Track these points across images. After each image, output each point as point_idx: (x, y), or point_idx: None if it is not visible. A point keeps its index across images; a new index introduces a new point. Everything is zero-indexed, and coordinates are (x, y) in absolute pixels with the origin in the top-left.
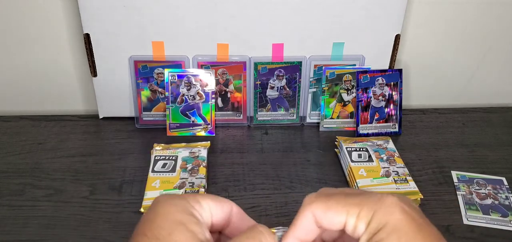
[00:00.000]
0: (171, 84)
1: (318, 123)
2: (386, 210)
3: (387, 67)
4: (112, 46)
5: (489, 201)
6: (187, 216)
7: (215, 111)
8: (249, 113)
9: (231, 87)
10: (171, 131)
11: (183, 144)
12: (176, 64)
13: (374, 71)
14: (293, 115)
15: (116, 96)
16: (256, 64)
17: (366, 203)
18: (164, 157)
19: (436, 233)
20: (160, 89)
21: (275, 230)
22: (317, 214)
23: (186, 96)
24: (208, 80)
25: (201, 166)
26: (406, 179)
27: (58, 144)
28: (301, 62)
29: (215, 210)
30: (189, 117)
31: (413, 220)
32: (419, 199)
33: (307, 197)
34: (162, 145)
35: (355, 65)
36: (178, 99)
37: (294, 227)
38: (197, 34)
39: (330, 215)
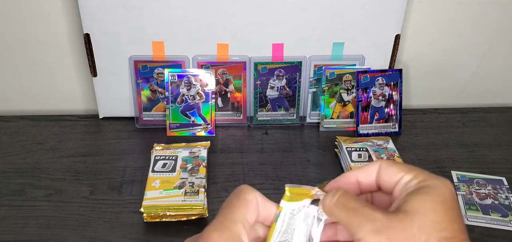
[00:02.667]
0: (171, 84)
1: (318, 123)
2: (439, 183)
3: (387, 67)
4: (112, 46)
5: (489, 201)
6: None
7: (215, 111)
8: (249, 113)
9: (231, 87)
10: (171, 131)
11: (183, 144)
12: (176, 64)
13: (374, 71)
14: (293, 115)
15: (116, 96)
16: (256, 64)
17: (425, 173)
18: (164, 157)
19: (464, 227)
20: (160, 89)
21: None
22: (382, 166)
23: (186, 96)
24: (208, 80)
25: (201, 166)
26: None
27: (58, 144)
28: (301, 62)
29: (251, 217)
30: (189, 117)
31: (456, 202)
32: None
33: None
34: (162, 145)
35: (355, 65)
36: (178, 99)
37: (358, 169)
38: (197, 34)
39: (391, 170)
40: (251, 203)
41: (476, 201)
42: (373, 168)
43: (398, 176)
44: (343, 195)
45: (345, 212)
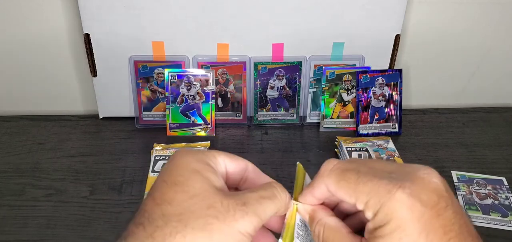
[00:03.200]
0: (171, 84)
1: (318, 123)
2: (393, 205)
3: (387, 67)
4: (112, 46)
5: (489, 201)
6: (203, 165)
7: (215, 111)
8: (249, 113)
9: (231, 87)
10: (171, 131)
11: (183, 144)
12: (176, 64)
13: (374, 71)
14: (293, 115)
15: (116, 96)
16: (256, 64)
17: (376, 192)
18: (164, 157)
19: (449, 224)
20: (160, 89)
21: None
22: (330, 188)
23: (186, 96)
24: (208, 80)
25: None
26: None
27: (58, 144)
28: (301, 62)
29: (229, 164)
30: (189, 117)
31: (421, 217)
32: None
33: (324, 164)
34: (162, 145)
35: (355, 65)
36: (178, 99)
37: (311, 188)
38: (197, 34)
39: (341, 194)
40: (238, 160)
41: (476, 201)
42: (321, 186)
43: (351, 202)
44: (327, 230)
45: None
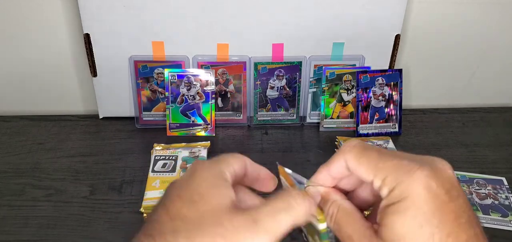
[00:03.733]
0: (171, 84)
1: (318, 123)
2: (410, 184)
3: (387, 67)
4: (112, 46)
5: (489, 201)
6: (220, 181)
7: (215, 111)
8: (249, 113)
9: (231, 87)
10: (171, 131)
11: (183, 144)
12: (176, 64)
13: (374, 71)
14: (293, 115)
15: (116, 96)
16: (256, 64)
17: (395, 170)
18: (164, 157)
19: (460, 211)
20: (160, 89)
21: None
22: (349, 164)
23: (186, 96)
24: (208, 80)
25: None
26: None
27: (58, 144)
28: (301, 62)
29: (237, 168)
30: (189, 117)
31: (436, 198)
32: None
33: (345, 143)
34: (162, 145)
35: (355, 65)
36: (178, 99)
37: (328, 166)
38: (197, 34)
39: (360, 171)
40: (240, 158)
41: (476, 201)
42: (340, 162)
43: (368, 179)
44: (340, 212)
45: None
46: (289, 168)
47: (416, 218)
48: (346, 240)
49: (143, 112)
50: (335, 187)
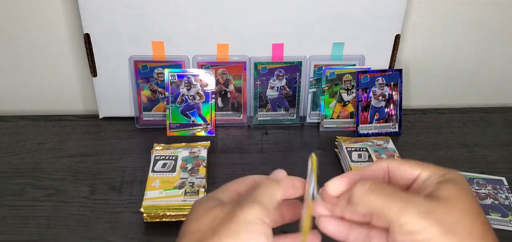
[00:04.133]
0: (171, 84)
1: (318, 123)
2: (457, 176)
3: (387, 67)
4: (112, 46)
5: (489, 201)
6: (262, 227)
7: (215, 111)
8: (249, 113)
9: (231, 87)
10: (171, 131)
11: (183, 144)
12: (176, 64)
13: (374, 71)
14: (293, 115)
15: (116, 96)
16: (256, 64)
17: (438, 168)
18: (164, 157)
19: (482, 213)
20: (160, 89)
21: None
22: (391, 166)
23: (186, 96)
24: (208, 80)
25: (201, 166)
26: None
27: (58, 144)
28: (301, 62)
29: (279, 197)
30: (189, 117)
31: (472, 193)
32: None
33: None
34: (162, 144)
35: (355, 65)
36: (178, 99)
37: (365, 168)
38: (197, 34)
39: (404, 168)
40: (281, 184)
41: None
42: (380, 168)
43: (416, 172)
44: (376, 182)
45: (382, 198)
46: (289, 168)
47: (470, 192)
48: (390, 199)
49: (143, 112)
50: (341, 218)
